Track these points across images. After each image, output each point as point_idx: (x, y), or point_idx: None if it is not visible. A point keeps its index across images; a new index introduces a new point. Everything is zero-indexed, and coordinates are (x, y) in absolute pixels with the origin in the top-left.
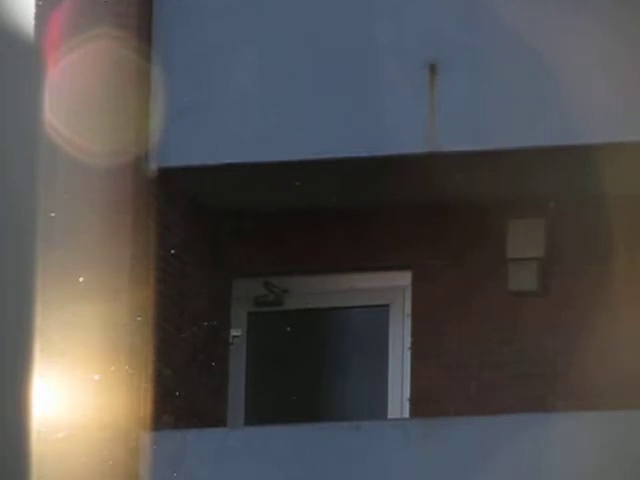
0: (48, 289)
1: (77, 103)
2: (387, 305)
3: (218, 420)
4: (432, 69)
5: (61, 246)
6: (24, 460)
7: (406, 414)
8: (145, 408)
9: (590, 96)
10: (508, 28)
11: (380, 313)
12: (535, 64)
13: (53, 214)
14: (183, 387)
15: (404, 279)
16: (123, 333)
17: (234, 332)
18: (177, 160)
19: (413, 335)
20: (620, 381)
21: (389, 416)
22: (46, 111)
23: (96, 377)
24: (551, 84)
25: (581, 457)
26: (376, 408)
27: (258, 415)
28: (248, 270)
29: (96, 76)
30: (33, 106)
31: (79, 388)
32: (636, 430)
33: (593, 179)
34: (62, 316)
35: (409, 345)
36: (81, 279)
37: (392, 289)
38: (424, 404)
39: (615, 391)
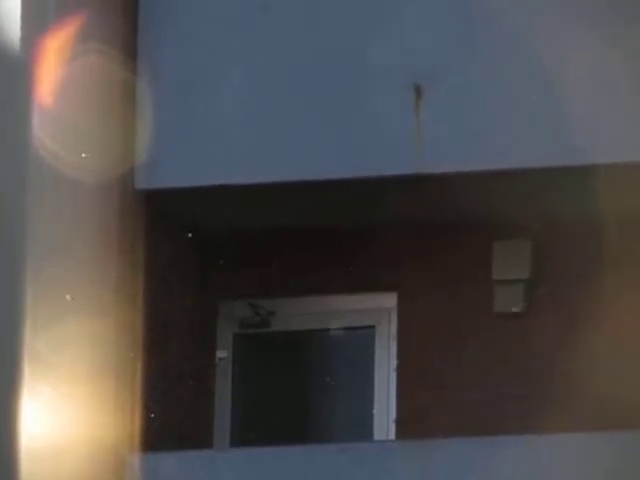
0: (37, 307)
1: (63, 121)
2: (373, 327)
3: (204, 442)
4: (418, 90)
5: (49, 264)
6: (12, 477)
7: (392, 436)
8: (132, 428)
9: (579, 117)
10: (495, 49)
11: (366, 335)
12: (521, 86)
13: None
14: (169, 408)
15: (390, 301)
16: (111, 352)
17: (220, 354)
18: (164, 180)
19: (399, 357)
20: (606, 403)
21: (375, 438)
22: (34, 130)
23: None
24: (538, 106)
25: (567, 479)
26: (362, 430)
27: (244, 437)
28: (234, 292)
29: (82, 94)
30: (21, 124)
31: (67, 406)
32: (622, 452)
33: (580, 200)
34: (51, 334)
35: (395, 367)
36: (69, 297)
37: (378, 310)
38: (410, 426)
39: (601, 413)
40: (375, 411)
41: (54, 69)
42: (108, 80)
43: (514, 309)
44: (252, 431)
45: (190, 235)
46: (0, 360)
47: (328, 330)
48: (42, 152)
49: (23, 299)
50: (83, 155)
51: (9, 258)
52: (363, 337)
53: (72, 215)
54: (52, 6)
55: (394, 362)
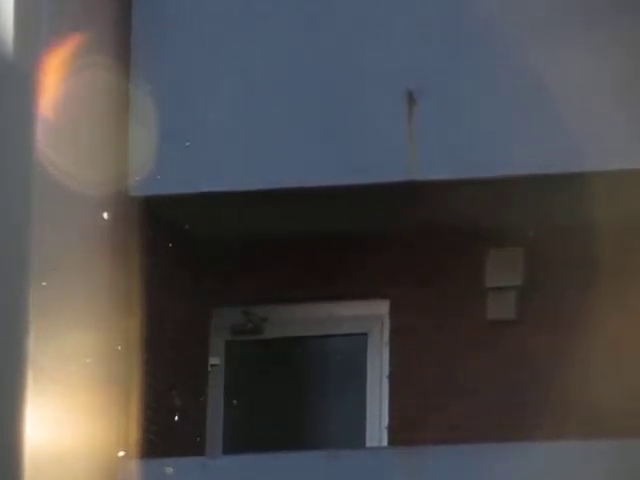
0: (41, 319)
1: (59, 132)
2: (365, 334)
3: (196, 448)
4: (411, 97)
5: (52, 276)
6: None
7: (384, 442)
8: (127, 435)
9: (571, 125)
10: (489, 56)
11: (358, 341)
12: (514, 93)
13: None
14: (162, 415)
15: (382, 308)
16: (110, 362)
17: (212, 361)
18: (157, 188)
19: (391, 364)
20: (600, 409)
21: (367, 444)
22: (36, 143)
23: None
24: (530, 113)
25: None
26: (354, 436)
27: (236, 443)
28: (227, 298)
29: (77, 103)
30: (22, 138)
31: (68, 415)
32: (618, 459)
33: (572, 208)
34: (54, 345)
35: (387, 373)
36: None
37: (370, 318)
38: (402, 432)
39: (595, 420)
40: (367, 417)
41: (50, 81)
42: (102, 88)
43: (507, 316)
44: (244, 438)
45: (183, 242)
46: (4, 372)
47: (320, 337)
48: (44, 163)
49: (27, 312)
50: (80, 167)
51: (13, 271)
52: (356, 344)
53: (73, 226)
54: (47, 17)
55: (386, 369)
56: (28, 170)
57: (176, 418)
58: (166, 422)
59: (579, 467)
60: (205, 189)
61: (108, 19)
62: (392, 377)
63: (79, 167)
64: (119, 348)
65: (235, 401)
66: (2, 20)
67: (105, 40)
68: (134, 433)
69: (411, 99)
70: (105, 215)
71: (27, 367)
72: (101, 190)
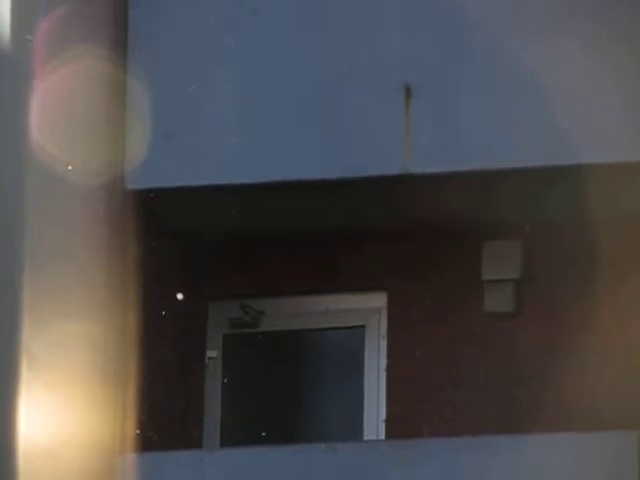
0: (34, 309)
1: (52, 123)
2: (363, 326)
3: (194, 442)
4: (408, 91)
5: (47, 267)
6: (9, 477)
7: (382, 435)
8: (124, 428)
9: (567, 118)
10: (485, 50)
11: (356, 335)
12: (510, 86)
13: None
14: (159, 408)
15: (380, 301)
16: (105, 353)
17: (210, 354)
18: (153, 182)
19: (389, 357)
20: (595, 403)
21: (365, 437)
22: (29, 133)
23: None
24: (527, 105)
25: (557, 479)
26: (352, 429)
27: (234, 437)
28: (224, 292)
29: (72, 96)
30: (17, 128)
31: (62, 407)
32: (610, 452)
33: (570, 201)
34: (48, 336)
35: (385, 367)
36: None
37: (368, 311)
38: (399, 426)
39: (590, 413)
40: (365, 411)
41: (45, 71)
42: (98, 81)
43: (504, 309)
44: (242, 431)
45: (180, 235)
46: None
47: (318, 330)
48: (39, 155)
49: (21, 302)
50: (76, 160)
51: (7, 261)
52: (353, 337)
53: (69, 218)
54: (43, 6)
55: (384, 362)
56: (23, 162)
57: (173, 411)
58: (163, 415)
59: (574, 460)
60: (201, 182)
61: (105, 8)
62: (389, 370)
63: (75, 159)
64: (114, 340)
65: (232, 394)
66: None
67: (102, 30)
68: (131, 426)
69: (408, 93)
70: (100, 208)
71: (21, 357)
72: (97, 182)
